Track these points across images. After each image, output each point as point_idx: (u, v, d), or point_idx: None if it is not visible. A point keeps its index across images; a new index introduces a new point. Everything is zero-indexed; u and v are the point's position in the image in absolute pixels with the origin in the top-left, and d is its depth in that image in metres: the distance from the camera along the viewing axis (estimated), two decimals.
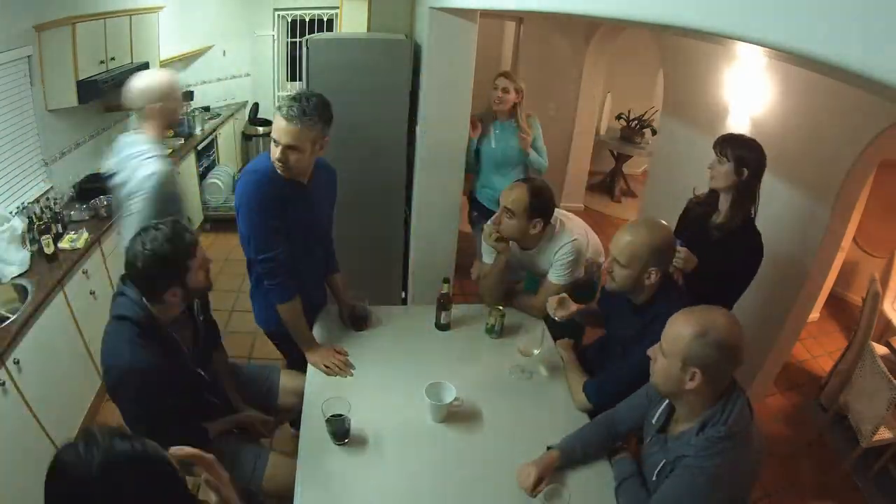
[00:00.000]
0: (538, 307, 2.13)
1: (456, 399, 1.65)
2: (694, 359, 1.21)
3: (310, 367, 1.90)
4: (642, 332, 1.63)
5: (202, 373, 1.71)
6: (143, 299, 1.48)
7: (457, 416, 1.69)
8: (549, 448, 1.55)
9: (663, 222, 1.64)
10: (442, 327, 2.10)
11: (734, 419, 1.22)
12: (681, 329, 1.23)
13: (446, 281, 2.07)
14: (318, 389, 1.78)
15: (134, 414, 1.54)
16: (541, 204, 1.97)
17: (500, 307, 2.06)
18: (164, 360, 1.49)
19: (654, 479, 1.35)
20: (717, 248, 1.91)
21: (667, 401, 1.39)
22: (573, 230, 2.13)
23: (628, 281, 1.62)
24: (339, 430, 1.53)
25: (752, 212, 1.93)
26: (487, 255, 2.21)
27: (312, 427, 1.61)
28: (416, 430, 1.65)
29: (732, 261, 1.88)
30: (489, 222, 2.09)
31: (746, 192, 1.89)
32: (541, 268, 2.18)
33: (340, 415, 1.53)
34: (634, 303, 1.70)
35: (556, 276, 2.11)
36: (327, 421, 1.53)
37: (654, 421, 1.43)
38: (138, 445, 0.82)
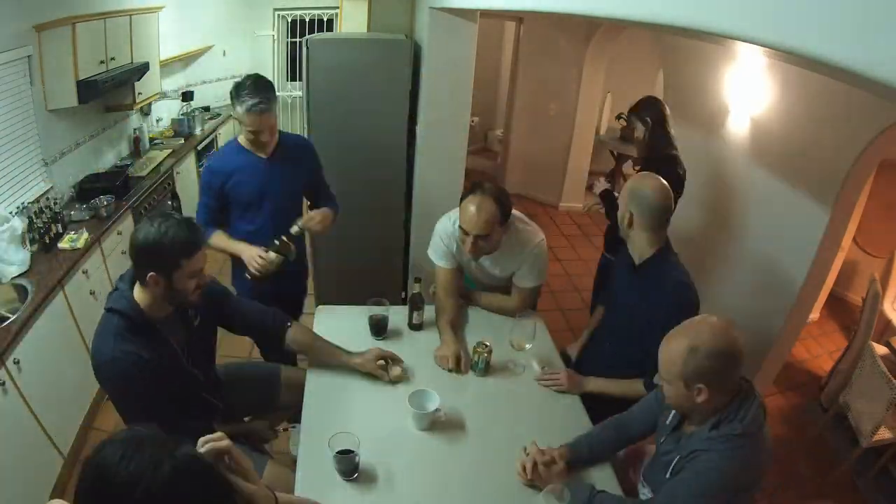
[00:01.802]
0: (513, 309, 2.06)
1: (438, 409, 1.62)
2: (693, 376, 1.22)
3: (308, 376, 1.87)
4: (643, 296, 1.74)
5: (196, 372, 1.70)
6: (133, 292, 1.50)
7: (448, 422, 1.66)
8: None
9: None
10: (415, 327, 2.07)
11: (750, 419, 1.24)
12: (671, 353, 1.25)
13: (418, 280, 2.03)
14: (316, 394, 1.78)
15: (126, 409, 1.54)
16: (506, 208, 1.87)
17: (486, 343, 1.87)
18: (149, 353, 1.48)
19: (667, 476, 1.36)
20: None
21: None
22: (537, 230, 2.04)
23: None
24: (348, 468, 1.47)
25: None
26: (438, 257, 2.10)
27: (311, 443, 1.57)
28: (418, 442, 1.62)
29: None
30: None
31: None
32: (502, 271, 2.07)
33: (350, 451, 1.45)
34: (635, 266, 1.79)
35: (531, 279, 2.03)
36: (334, 458, 1.45)
37: (667, 422, 1.44)
38: (194, 460, 0.83)
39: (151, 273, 1.43)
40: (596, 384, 1.85)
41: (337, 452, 1.44)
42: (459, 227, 1.88)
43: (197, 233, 1.48)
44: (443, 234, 2.08)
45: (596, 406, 1.81)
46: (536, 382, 1.88)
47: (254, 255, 2.05)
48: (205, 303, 1.68)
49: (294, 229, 2.09)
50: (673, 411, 1.43)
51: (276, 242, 2.04)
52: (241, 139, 2.13)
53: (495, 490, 1.49)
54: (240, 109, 1.96)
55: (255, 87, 1.96)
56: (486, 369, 1.88)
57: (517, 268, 2.05)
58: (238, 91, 1.97)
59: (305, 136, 2.79)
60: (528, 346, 1.90)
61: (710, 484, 1.23)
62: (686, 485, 1.27)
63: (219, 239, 2.15)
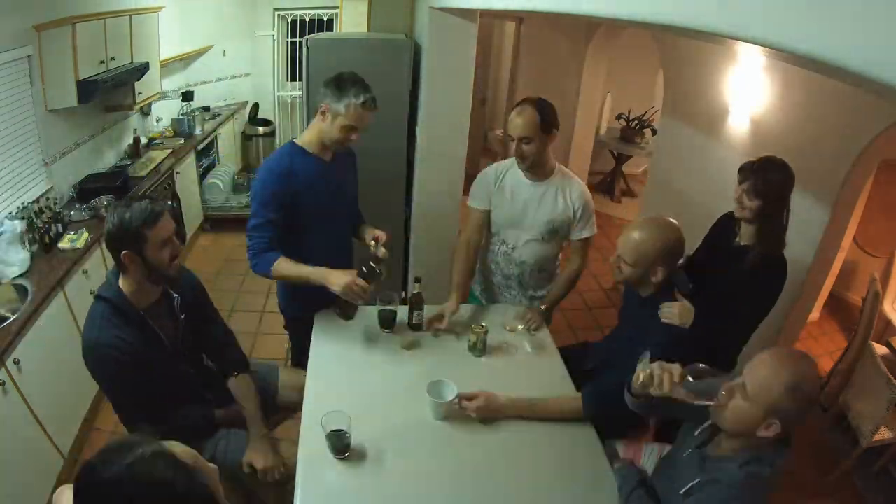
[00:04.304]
0: (579, 270, 2.15)
1: (457, 397, 1.66)
2: (779, 411, 1.15)
3: (310, 369, 1.87)
4: (645, 327, 1.64)
5: (188, 368, 1.71)
6: (118, 281, 1.54)
7: (458, 413, 1.68)
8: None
9: (673, 221, 1.62)
10: (414, 327, 2.08)
11: (780, 465, 1.21)
12: (774, 377, 1.15)
13: (418, 280, 2.05)
14: (317, 397, 1.77)
15: (114, 397, 1.58)
16: (548, 116, 1.98)
17: (483, 324, 1.95)
18: (133, 338, 1.51)
19: (681, 493, 1.32)
20: (739, 276, 1.85)
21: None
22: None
23: (634, 277, 1.65)
24: (339, 446, 1.51)
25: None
26: (474, 197, 2.17)
27: (312, 438, 1.58)
28: (417, 431, 1.64)
29: (746, 294, 1.82)
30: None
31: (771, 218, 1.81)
32: (548, 211, 2.09)
33: (341, 430, 1.50)
34: (641, 295, 1.71)
35: (587, 228, 2.10)
36: (327, 436, 1.51)
37: (696, 434, 1.39)
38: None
39: (125, 252, 1.47)
40: (515, 405, 1.67)
41: (330, 431, 1.50)
42: (508, 135, 2.00)
43: (156, 203, 1.51)
44: (487, 172, 2.17)
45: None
46: (531, 356, 1.97)
47: (351, 285, 1.77)
48: (188, 295, 1.72)
49: (381, 251, 1.90)
50: (704, 425, 1.36)
51: (365, 269, 1.81)
52: (304, 141, 1.91)
53: (494, 481, 1.50)
54: (346, 102, 1.80)
55: (363, 83, 1.83)
56: (484, 350, 1.95)
57: (565, 209, 2.09)
58: (343, 84, 1.81)
59: None
60: (520, 327, 2.06)
61: None
62: None
63: (289, 266, 1.84)
